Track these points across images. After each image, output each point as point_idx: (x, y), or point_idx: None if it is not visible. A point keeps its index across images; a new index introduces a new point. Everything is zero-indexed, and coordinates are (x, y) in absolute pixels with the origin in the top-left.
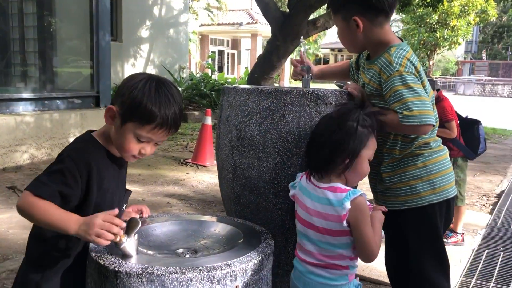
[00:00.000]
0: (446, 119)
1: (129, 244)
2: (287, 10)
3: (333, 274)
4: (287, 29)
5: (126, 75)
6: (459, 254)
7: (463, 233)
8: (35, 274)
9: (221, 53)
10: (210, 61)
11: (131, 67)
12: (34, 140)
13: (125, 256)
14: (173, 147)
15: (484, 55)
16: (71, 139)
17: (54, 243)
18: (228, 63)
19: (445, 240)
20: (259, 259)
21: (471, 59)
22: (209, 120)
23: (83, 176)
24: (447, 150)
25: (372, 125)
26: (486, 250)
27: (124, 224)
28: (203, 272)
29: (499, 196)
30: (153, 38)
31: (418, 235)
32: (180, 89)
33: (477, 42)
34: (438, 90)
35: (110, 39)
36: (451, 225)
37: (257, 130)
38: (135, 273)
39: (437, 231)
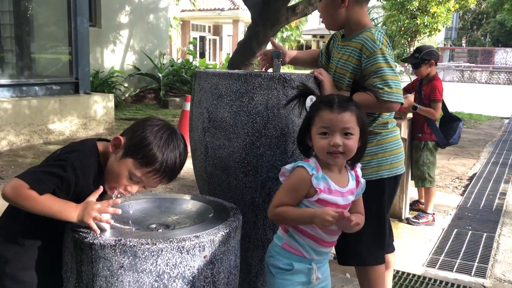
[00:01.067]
0: (434, 98)
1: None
2: None
3: None
4: (267, 15)
5: (105, 61)
6: (430, 233)
7: (433, 214)
8: (6, 251)
9: (202, 39)
10: (191, 47)
11: (110, 53)
12: (12, 127)
13: (101, 230)
14: None
15: (463, 42)
16: (50, 126)
17: (30, 221)
18: (210, 49)
19: (416, 220)
20: (227, 231)
21: (451, 45)
22: (188, 106)
23: (77, 191)
24: (399, 131)
25: (321, 102)
26: (455, 229)
27: (119, 211)
28: (173, 243)
29: (471, 178)
30: (133, 23)
31: (365, 205)
32: (160, 75)
33: (457, 29)
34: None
35: (88, 24)
36: (422, 206)
37: (227, 112)
38: (108, 244)
39: (382, 204)
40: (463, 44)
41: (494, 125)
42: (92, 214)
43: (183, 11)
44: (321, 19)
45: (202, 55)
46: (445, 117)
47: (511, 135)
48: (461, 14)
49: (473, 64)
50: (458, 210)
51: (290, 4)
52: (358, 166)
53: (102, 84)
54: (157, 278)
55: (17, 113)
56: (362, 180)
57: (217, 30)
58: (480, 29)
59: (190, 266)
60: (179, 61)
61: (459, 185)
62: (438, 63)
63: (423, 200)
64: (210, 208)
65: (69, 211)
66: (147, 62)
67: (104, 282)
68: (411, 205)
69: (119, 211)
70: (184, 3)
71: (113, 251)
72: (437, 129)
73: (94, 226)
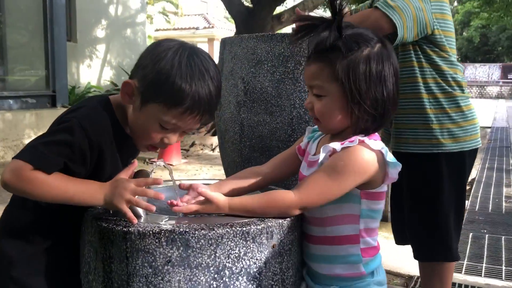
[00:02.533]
0: None
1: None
2: (251, 5)
3: None
4: (252, 24)
5: (82, 76)
6: None
7: None
8: (12, 249)
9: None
10: None
11: (86, 68)
12: None
13: (129, 220)
14: None
15: None
16: (26, 141)
17: (40, 212)
18: None
19: None
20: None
21: None
22: None
23: (94, 156)
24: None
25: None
26: (471, 233)
27: (162, 196)
28: (235, 228)
29: (471, 184)
30: (110, 38)
31: (447, 184)
32: None
33: None
34: None
35: (66, 36)
36: None
37: (268, 81)
38: (151, 232)
39: (463, 182)
40: None
41: None
42: (126, 196)
43: (157, 30)
44: None
45: None
46: None
47: (497, 142)
48: None
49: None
50: (468, 214)
51: (275, 12)
52: (354, 140)
53: (79, 99)
54: (216, 276)
55: None
56: (328, 149)
57: None
58: None
59: (257, 259)
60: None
61: None
62: None
63: None
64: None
65: (93, 192)
66: (124, 78)
67: (145, 284)
68: None
69: (163, 196)
70: (159, 22)
71: (157, 240)
72: None
73: (129, 212)
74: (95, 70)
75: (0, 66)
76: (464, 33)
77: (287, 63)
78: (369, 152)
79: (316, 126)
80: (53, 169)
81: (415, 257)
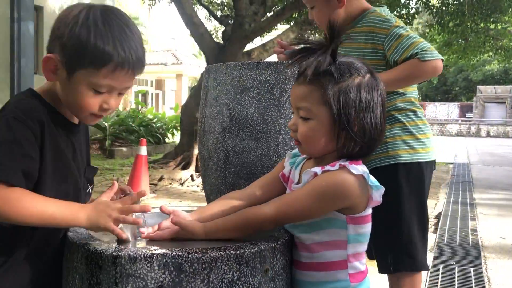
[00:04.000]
0: None
1: (124, 227)
2: (222, 42)
3: None
4: (223, 60)
5: None
6: None
7: None
8: None
9: (145, 93)
10: (139, 96)
11: None
12: None
13: (120, 241)
14: (102, 182)
15: None
16: None
17: (4, 231)
18: (152, 103)
19: None
20: (287, 238)
21: None
22: (143, 150)
23: (38, 138)
24: None
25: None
26: (441, 265)
27: (150, 208)
28: (229, 251)
29: (437, 217)
30: None
31: (406, 194)
32: (106, 124)
33: None
34: None
35: (33, 68)
36: None
37: (254, 108)
38: (142, 256)
39: (423, 192)
40: None
41: (441, 170)
42: (114, 215)
43: None
44: (317, 23)
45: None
46: None
47: (460, 177)
48: None
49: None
50: (437, 246)
51: (245, 49)
52: (336, 165)
53: None
54: None
55: None
56: (309, 172)
57: (159, 84)
58: None
59: (250, 284)
60: (125, 111)
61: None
62: None
63: None
64: None
65: (74, 212)
66: None
67: None
68: None
69: (150, 208)
70: None
71: (148, 265)
72: None
73: (117, 229)
74: None
75: None
76: None
77: (273, 90)
78: (350, 177)
79: (296, 151)
80: (13, 179)
81: (380, 271)
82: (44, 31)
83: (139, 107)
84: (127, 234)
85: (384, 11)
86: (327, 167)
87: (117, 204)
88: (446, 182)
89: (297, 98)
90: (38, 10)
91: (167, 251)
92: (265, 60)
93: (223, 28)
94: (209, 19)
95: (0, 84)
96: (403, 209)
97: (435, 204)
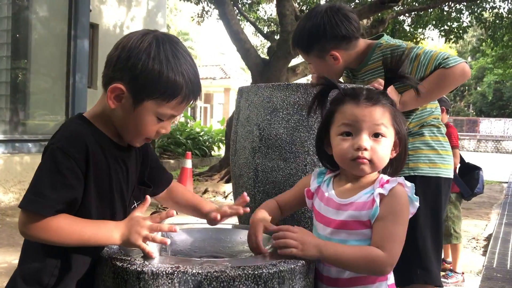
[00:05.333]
0: (452, 145)
1: (151, 243)
2: (267, 57)
3: None
4: (268, 75)
5: None
6: None
7: (463, 273)
8: None
9: (194, 106)
10: (188, 110)
11: None
12: (2, 184)
13: (146, 257)
14: None
15: None
16: None
17: (49, 253)
18: (201, 116)
19: (445, 280)
20: (307, 260)
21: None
22: (189, 164)
23: (82, 167)
24: None
25: (345, 95)
26: None
27: (176, 228)
28: (247, 271)
29: (487, 239)
30: None
31: (425, 205)
32: None
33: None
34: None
35: (87, 83)
36: (448, 265)
37: (283, 128)
38: (164, 272)
39: (439, 207)
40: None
41: (494, 189)
42: (143, 233)
43: None
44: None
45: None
46: (463, 167)
47: None
48: None
49: (461, 133)
50: (485, 270)
51: (290, 64)
52: (393, 181)
53: None
54: None
55: (8, 170)
56: (377, 193)
57: (208, 98)
58: (463, 100)
59: None
60: (173, 124)
61: (477, 245)
62: None
63: (448, 259)
64: (271, 237)
65: (109, 231)
66: None
67: None
68: None
69: (177, 228)
70: None
71: (170, 281)
72: (460, 180)
73: (147, 248)
74: None
75: (22, 110)
76: (478, 88)
77: (302, 111)
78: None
79: (322, 169)
80: (51, 211)
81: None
82: (99, 48)
83: (187, 120)
84: (154, 252)
85: (390, 40)
86: (391, 185)
87: (147, 221)
88: (499, 202)
89: (373, 118)
90: (94, 27)
91: (188, 268)
92: (295, 82)
93: (269, 44)
94: (256, 35)
95: (57, 97)
96: (419, 221)
97: (486, 225)
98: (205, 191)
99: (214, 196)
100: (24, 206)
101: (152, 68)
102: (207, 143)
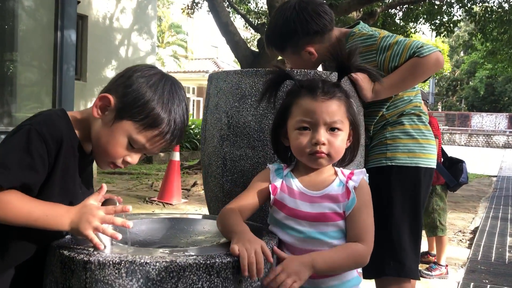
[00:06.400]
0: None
1: (103, 235)
2: (257, 50)
3: None
4: (257, 67)
5: None
6: (445, 287)
7: (446, 265)
8: None
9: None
10: None
11: None
12: None
13: (96, 247)
14: (137, 186)
15: (439, 106)
16: None
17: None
18: (193, 109)
19: (429, 272)
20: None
21: (428, 110)
22: (176, 156)
23: (51, 156)
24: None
25: (301, 87)
26: (472, 283)
27: (130, 225)
28: (198, 260)
29: (474, 232)
30: None
31: (398, 198)
32: None
33: (433, 94)
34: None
35: (74, 74)
36: (432, 258)
37: (251, 116)
38: (111, 262)
39: (418, 198)
40: (439, 109)
41: (483, 183)
42: (94, 223)
43: (168, 72)
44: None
45: None
46: (446, 161)
47: (503, 191)
48: (436, 80)
49: (452, 127)
50: (469, 263)
51: (280, 57)
52: (358, 173)
53: None
54: None
55: None
56: (351, 185)
57: (200, 91)
58: (455, 95)
59: None
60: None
61: (463, 239)
62: None
63: (433, 252)
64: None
65: (59, 215)
66: None
67: None
68: (420, 257)
69: (131, 224)
70: (170, 65)
71: (117, 271)
72: (444, 170)
73: (96, 239)
74: None
75: (7, 102)
76: (470, 82)
77: (270, 98)
78: None
79: (276, 165)
80: (8, 183)
81: (365, 275)
82: (88, 39)
83: None
84: (104, 243)
85: (363, 28)
86: (356, 177)
87: (100, 211)
88: (487, 195)
89: (330, 113)
90: (83, 19)
91: (136, 258)
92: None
93: (260, 36)
94: (247, 27)
95: (45, 88)
96: (394, 212)
97: (473, 219)
98: (194, 184)
99: (203, 189)
100: None
101: (145, 92)
102: (198, 136)
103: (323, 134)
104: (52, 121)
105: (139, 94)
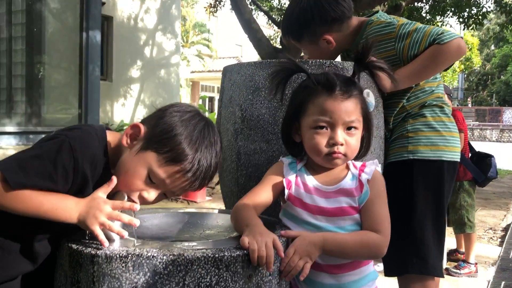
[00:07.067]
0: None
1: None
2: (280, 46)
3: None
4: None
5: (115, 114)
6: (474, 286)
7: (476, 263)
8: None
9: (211, 99)
10: (201, 102)
11: (120, 107)
12: None
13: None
14: None
15: (469, 102)
16: None
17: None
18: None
19: (457, 271)
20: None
21: (457, 105)
22: None
23: (76, 181)
24: None
25: (317, 83)
26: (503, 282)
27: (137, 222)
28: (207, 254)
29: (505, 229)
30: (144, 78)
31: (420, 193)
32: None
33: (463, 90)
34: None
35: (99, 74)
36: (461, 256)
37: (265, 109)
38: (117, 256)
39: (441, 193)
40: (468, 104)
41: None
42: (100, 219)
43: (193, 72)
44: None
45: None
46: (473, 156)
47: None
48: (466, 75)
49: (483, 123)
50: (500, 261)
51: (303, 53)
52: (370, 164)
53: None
54: None
55: None
56: (365, 178)
57: None
58: (486, 90)
59: None
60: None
61: (494, 236)
62: None
63: (462, 249)
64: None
65: (68, 208)
66: None
67: None
68: (448, 254)
69: (138, 222)
70: (194, 64)
71: (123, 264)
72: (471, 165)
73: (101, 235)
74: (128, 109)
75: (36, 103)
76: (502, 76)
77: (285, 90)
78: None
79: (289, 159)
80: (21, 186)
81: (386, 273)
82: (113, 40)
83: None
84: (112, 237)
85: (382, 16)
86: (375, 167)
87: (107, 206)
88: None
89: (348, 112)
90: (108, 20)
91: (143, 251)
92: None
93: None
94: (270, 24)
95: (71, 88)
96: (417, 208)
97: (504, 216)
98: (218, 182)
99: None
100: (3, 169)
101: (175, 126)
102: None
103: (340, 135)
104: (88, 139)
105: (168, 126)
